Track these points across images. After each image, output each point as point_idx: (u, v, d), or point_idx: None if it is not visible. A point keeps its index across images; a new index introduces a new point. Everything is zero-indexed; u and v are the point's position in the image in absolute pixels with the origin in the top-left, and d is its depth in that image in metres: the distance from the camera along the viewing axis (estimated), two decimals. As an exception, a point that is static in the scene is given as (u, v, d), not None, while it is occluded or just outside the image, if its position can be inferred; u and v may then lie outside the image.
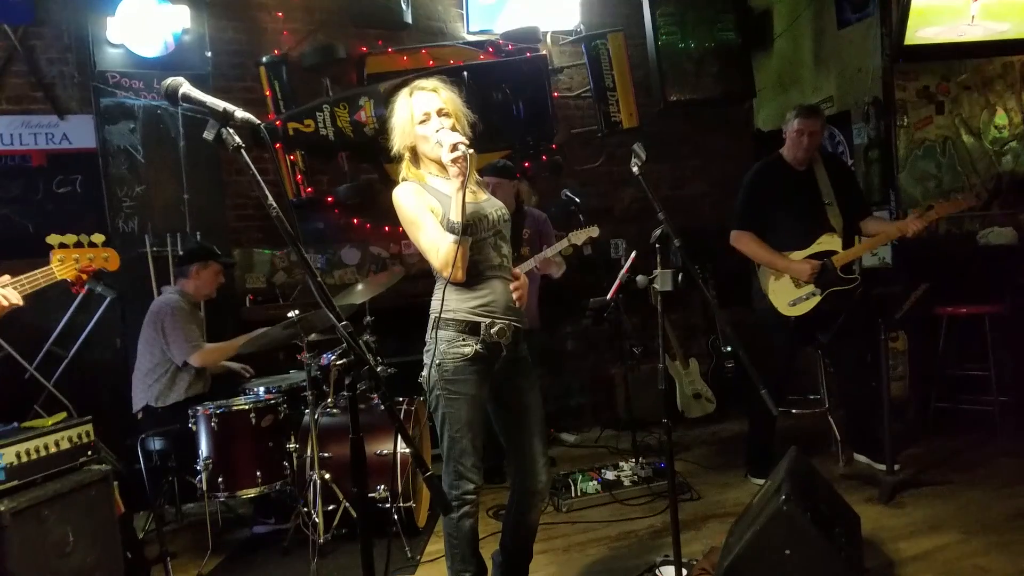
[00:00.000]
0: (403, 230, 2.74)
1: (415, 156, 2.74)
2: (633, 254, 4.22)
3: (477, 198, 2.74)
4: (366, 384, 1.72)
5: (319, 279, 1.74)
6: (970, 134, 5.85)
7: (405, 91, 2.72)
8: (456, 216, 2.50)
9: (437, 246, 2.57)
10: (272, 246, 5.57)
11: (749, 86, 6.00)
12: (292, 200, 5.35)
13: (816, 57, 6.25)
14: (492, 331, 2.65)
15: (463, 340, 2.63)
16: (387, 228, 5.60)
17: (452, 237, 2.52)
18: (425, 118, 2.65)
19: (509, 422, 2.84)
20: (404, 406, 4.02)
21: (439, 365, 2.63)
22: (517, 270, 2.81)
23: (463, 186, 2.48)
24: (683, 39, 5.80)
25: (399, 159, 2.76)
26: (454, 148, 2.49)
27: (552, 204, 5.50)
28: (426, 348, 2.70)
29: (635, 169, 2.66)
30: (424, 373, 2.69)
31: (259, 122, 1.74)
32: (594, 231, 4.44)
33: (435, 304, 2.68)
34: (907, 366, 5.47)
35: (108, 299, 4.91)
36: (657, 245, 2.60)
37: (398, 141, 2.72)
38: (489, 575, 2.91)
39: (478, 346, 2.64)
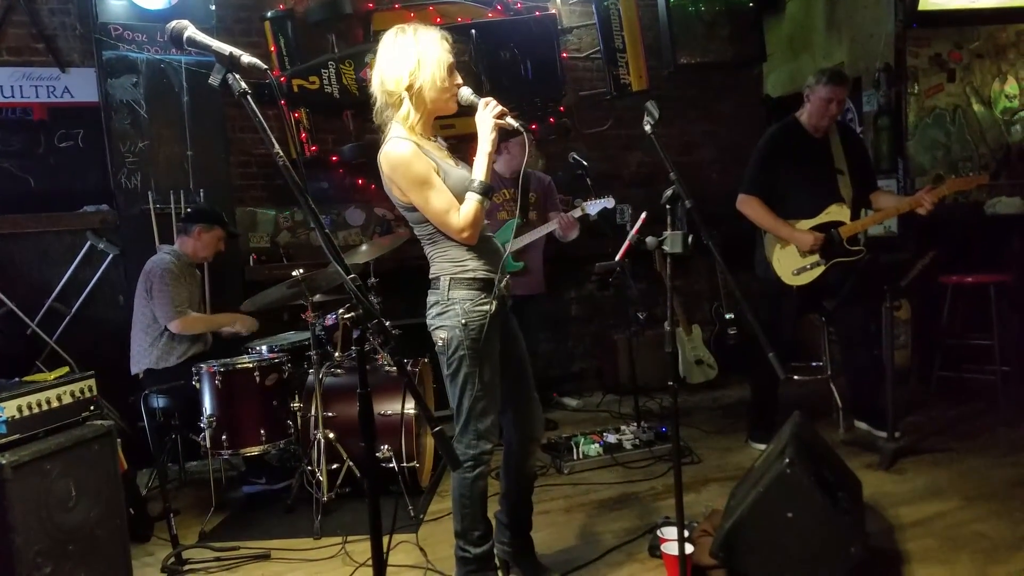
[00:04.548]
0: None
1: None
2: (643, 215, 4.19)
3: (457, 164, 2.69)
4: (375, 339, 1.71)
5: (327, 230, 1.71)
6: (981, 103, 5.79)
7: (434, 31, 2.56)
8: (485, 176, 2.53)
9: (457, 207, 2.52)
10: (276, 205, 5.53)
11: (760, 50, 5.92)
12: (295, 159, 5.30)
13: (828, 21, 6.16)
14: (501, 286, 2.65)
15: (483, 298, 2.61)
16: (392, 189, 5.55)
17: (477, 197, 2.51)
18: (453, 68, 2.57)
19: (507, 374, 2.81)
20: (409, 367, 4.01)
21: (465, 325, 2.58)
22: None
23: (496, 149, 2.56)
24: (694, 1, 5.70)
25: (392, 104, 2.55)
26: (502, 115, 2.52)
27: (559, 167, 5.46)
28: (439, 311, 2.63)
29: (647, 128, 2.61)
30: (444, 335, 2.61)
31: (265, 67, 1.71)
32: (609, 202, 4.41)
33: (446, 265, 2.63)
34: (910, 334, 5.47)
35: (110, 256, 4.90)
36: (668, 206, 2.56)
37: (417, 76, 2.49)
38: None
39: (495, 302, 2.63)
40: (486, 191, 2.53)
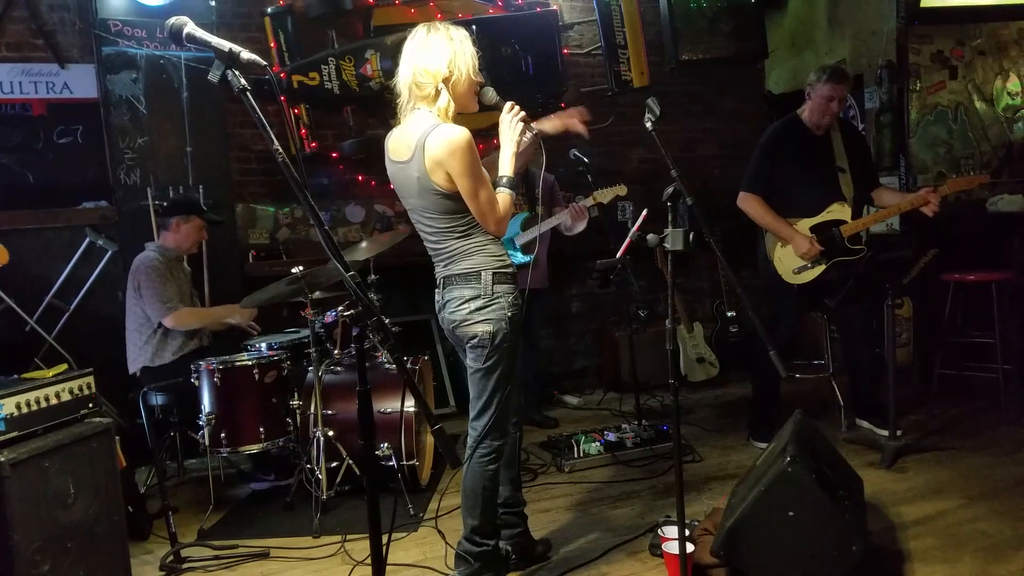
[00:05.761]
0: None
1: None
2: (644, 212, 4.17)
3: None
4: (375, 337, 1.69)
5: (326, 227, 1.70)
6: (983, 100, 5.78)
7: (462, 29, 2.62)
8: (512, 173, 2.65)
9: (497, 199, 2.58)
10: (275, 201, 5.51)
11: (762, 46, 5.88)
12: (295, 155, 5.28)
13: (831, 18, 6.14)
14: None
15: (516, 292, 2.67)
16: (392, 186, 5.53)
17: (508, 191, 2.62)
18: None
19: None
20: (409, 365, 4.00)
21: (511, 318, 2.62)
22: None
23: (519, 148, 2.69)
24: (696, -4, 5.68)
25: (423, 96, 2.57)
26: (526, 121, 2.68)
27: (560, 164, 5.44)
28: (480, 305, 2.60)
29: (648, 124, 2.60)
30: (488, 329, 2.59)
31: (265, 63, 1.69)
32: (622, 190, 4.39)
33: (486, 259, 2.62)
34: (912, 332, 5.46)
35: (110, 252, 4.88)
36: (669, 203, 2.54)
37: (455, 67, 2.54)
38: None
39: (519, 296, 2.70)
40: (514, 186, 2.65)
